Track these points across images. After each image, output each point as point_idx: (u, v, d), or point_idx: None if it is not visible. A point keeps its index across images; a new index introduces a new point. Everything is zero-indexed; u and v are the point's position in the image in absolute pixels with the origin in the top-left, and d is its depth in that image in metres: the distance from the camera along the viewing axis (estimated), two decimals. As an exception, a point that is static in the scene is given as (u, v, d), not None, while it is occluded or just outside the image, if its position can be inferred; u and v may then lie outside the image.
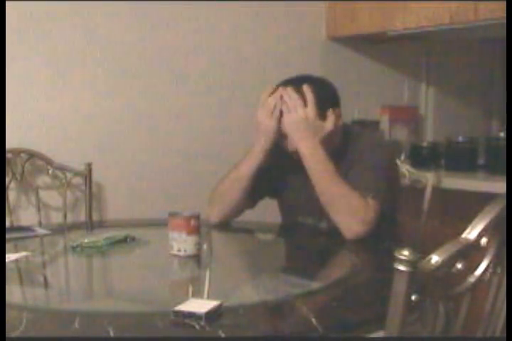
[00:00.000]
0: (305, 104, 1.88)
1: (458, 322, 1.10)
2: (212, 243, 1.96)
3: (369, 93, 3.18)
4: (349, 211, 1.81)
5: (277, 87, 1.94)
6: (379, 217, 1.82)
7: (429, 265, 0.98)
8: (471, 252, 1.05)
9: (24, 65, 2.40)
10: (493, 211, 1.08)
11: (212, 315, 1.16)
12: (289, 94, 1.89)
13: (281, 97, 1.90)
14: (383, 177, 1.90)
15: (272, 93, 1.93)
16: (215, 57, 2.80)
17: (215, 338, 1.12)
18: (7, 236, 1.86)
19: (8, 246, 1.76)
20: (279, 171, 2.06)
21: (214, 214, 2.03)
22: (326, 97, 1.93)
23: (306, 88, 1.89)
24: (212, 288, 1.40)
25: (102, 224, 2.49)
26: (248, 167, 1.97)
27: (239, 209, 2.06)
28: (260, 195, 2.09)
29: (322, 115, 1.90)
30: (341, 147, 1.96)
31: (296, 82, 1.92)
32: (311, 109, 1.88)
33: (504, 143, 2.70)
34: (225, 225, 2.06)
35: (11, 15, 2.31)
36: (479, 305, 1.17)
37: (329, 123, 1.90)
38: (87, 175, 2.47)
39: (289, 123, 1.89)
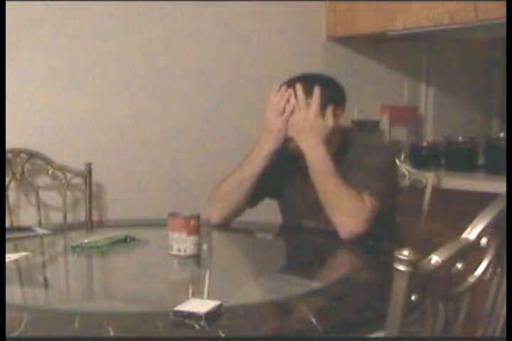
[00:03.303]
0: (309, 103, 1.89)
1: (458, 322, 1.10)
2: (212, 243, 1.96)
3: (369, 93, 3.18)
4: (345, 210, 1.81)
5: (284, 84, 1.94)
6: (376, 214, 1.82)
7: (429, 265, 0.98)
8: (471, 252, 1.05)
9: (24, 64, 2.40)
10: (493, 211, 1.08)
11: (212, 315, 1.16)
12: (294, 94, 1.90)
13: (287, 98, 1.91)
14: (380, 177, 1.90)
15: (279, 91, 1.93)
16: (215, 57, 2.80)
17: (214, 338, 1.12)
18: (7, 236, 1.86)
19: (8, 246, 1.76)
20: (279, 172, 2.06)
21: (215, 214, 2.03)
22: (333, 97, 1.94)
23: (313, 87, 1.90)
24: (212, 288, 1.41)
25: (102, 224, 2.49)
26: (254, 167, 1.96)
27: (240, 210, 2.06)
28: (261, 195, 2.09)
29: (324, 114, 1.91)
30: (340, 149, 1.96)
31: (303, 80, 1.93)
32: (314, 110, 1.89)
33: (504, 143, 2.70)
34: (225, 225, 2.06)
35: (11, 16, 2.31)
36: (479, 305, 1.17)
37: (329, 122, 1.91)
38: (87, 175, 2.47)
39: (292, 125, 1.90)
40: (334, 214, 1.83)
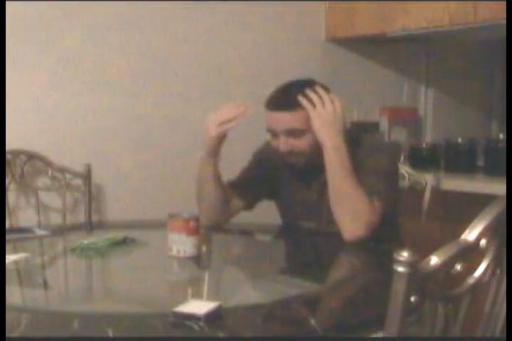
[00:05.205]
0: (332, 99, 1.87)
1: (457, 323, 1.10)
2: (212, 244, 1.96)
3: (368, 94, 3.18)
4: (355, 213, 1.79)
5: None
6: (381, 219, 1.82)
7: (428, 266, 0.98)
8: (471, 254, 1.05)
9: (24, 66, 2.40)
10: (493, 212, 1.08)
11: (212, 316, 1.16)
12: (316, 89, 1.87)
13: (309, 93, 1.87)
14: (386, 180, 1.89)
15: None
16: (214, 57, 2.80)
17: (214, 339, 1.12)
18: (7, 237, 1.86)
19: (7, 247, 1.76)
20: (275, 173, 2.05)
21: (202, 215, 2.01)
22: None
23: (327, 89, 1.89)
24: (211, 289, 1.41)
25: (101, 226, 2.49)
26: (203, 172, 2.01)
27: (225, 210, 2.03)
28: (257, 196, 2.09)
29: None
30: None
31: (307, 84, 1.91)
32: (339, 104, 1.87)
33: (504, 144, 2.70)
34: (218, 226, 2.05)
35: (11, 16, 2.31)
36: (478, 306, 1.16)
37: (347, 122, 1.91)
38: (87, 176, 2.47)
39: (316, 117, 1.84)
40: (343, 216, 1.81)
